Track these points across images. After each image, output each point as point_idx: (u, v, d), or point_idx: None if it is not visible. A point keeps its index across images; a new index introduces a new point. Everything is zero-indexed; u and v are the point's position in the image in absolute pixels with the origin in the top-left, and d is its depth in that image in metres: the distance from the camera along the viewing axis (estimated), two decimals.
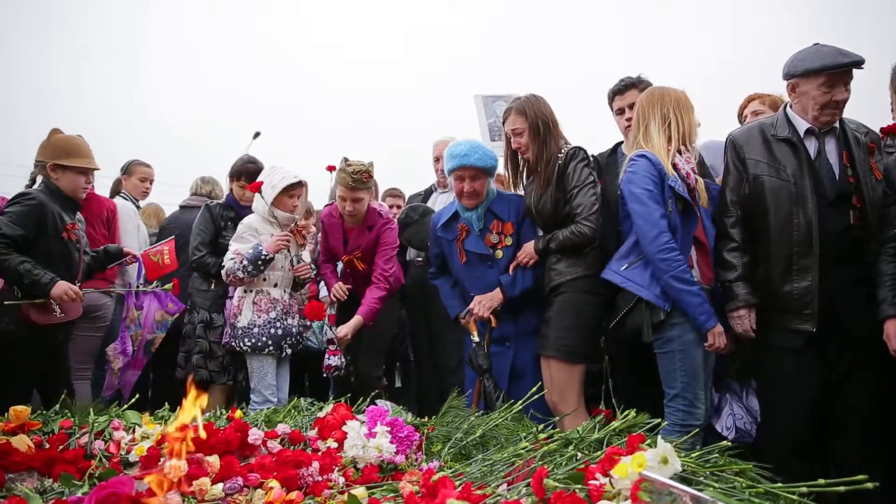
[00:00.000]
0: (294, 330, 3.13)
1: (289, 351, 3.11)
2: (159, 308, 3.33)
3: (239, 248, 3.05)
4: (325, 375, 3.32)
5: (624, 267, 2.40)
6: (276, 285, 3.10)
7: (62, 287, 2.71)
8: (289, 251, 3.14)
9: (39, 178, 2.98)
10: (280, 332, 3.04)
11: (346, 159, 3.26)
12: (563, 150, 2.66)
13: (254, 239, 3.06)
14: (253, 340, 2.99)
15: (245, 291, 3.09)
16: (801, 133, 2.33)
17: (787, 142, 2.32)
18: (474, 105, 4.09)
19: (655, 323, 2.31)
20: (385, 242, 3.36)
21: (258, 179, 3.16)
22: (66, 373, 3.03)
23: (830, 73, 2.20)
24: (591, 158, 2.73)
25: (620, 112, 2.84)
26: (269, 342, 3.00)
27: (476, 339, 2.74)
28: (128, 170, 4.09)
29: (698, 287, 2.30)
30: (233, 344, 3.06)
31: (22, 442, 1.75)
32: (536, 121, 2.65)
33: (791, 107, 2.39)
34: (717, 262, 2.46)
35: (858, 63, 2.20)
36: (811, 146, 2.33)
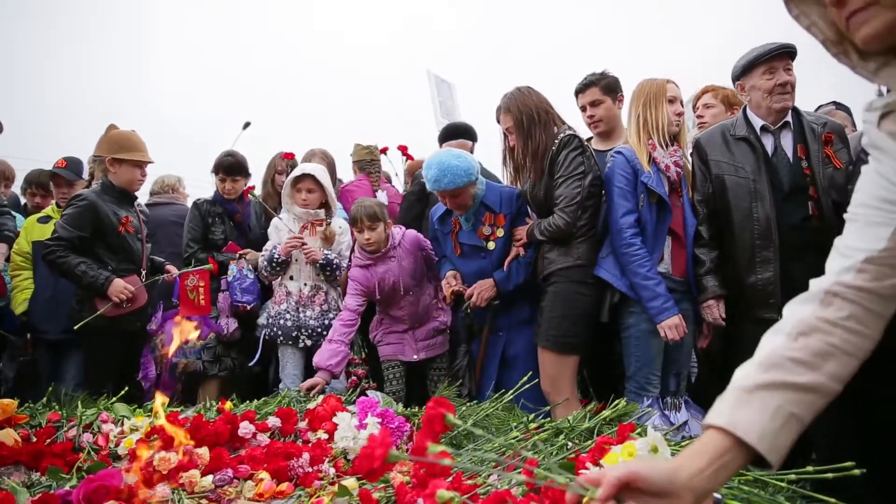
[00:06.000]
0: (312, 322, 3.09)
1: (307, 342, 3.06)
2: None
3: (268, 246, 3.17)
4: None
5: (602, 256, 2.58)
6: (291, 278, 3.16)
7: (117, 287, 2.92)
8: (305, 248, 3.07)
9: (98, 174, 3.20)
10: (289, 323, 3.05)
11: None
12: (558, 137, 2.61)
13: (275, 237, 3.17)
14: (267, 330, 3.12)
15: (277, 285, 3.21)
16: (758, 130, 2.44)
17: (745, 140, 2.44)
18: (427, 80, 4.37)
19: (612, 305, 2.51)
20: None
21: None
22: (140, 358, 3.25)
23: (767, 61, 2.37)
24: (586, 147, 2.64)
25: (583, 109, 2.96)
26: (280, 332, 3.06)
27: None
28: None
29: (655, 282, 2.41)
30: None
31: (9, 436, 1.73)
32: (520, 115, 2.62)
33: (748, 107, 2.50)
34: (691, 258, 2.57)
35: (785, 47, 2.35)
36: (768, 143, 2.44)
